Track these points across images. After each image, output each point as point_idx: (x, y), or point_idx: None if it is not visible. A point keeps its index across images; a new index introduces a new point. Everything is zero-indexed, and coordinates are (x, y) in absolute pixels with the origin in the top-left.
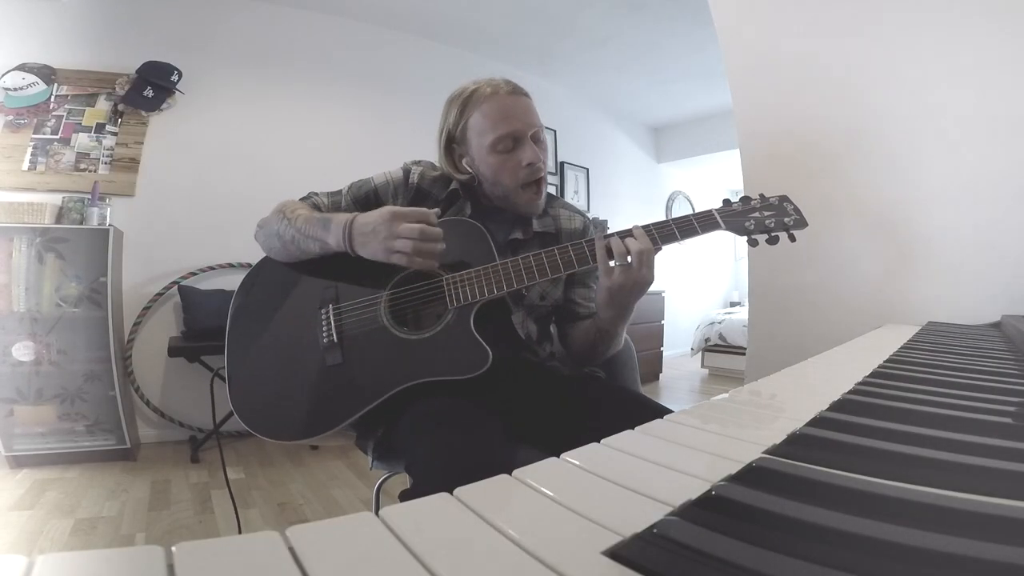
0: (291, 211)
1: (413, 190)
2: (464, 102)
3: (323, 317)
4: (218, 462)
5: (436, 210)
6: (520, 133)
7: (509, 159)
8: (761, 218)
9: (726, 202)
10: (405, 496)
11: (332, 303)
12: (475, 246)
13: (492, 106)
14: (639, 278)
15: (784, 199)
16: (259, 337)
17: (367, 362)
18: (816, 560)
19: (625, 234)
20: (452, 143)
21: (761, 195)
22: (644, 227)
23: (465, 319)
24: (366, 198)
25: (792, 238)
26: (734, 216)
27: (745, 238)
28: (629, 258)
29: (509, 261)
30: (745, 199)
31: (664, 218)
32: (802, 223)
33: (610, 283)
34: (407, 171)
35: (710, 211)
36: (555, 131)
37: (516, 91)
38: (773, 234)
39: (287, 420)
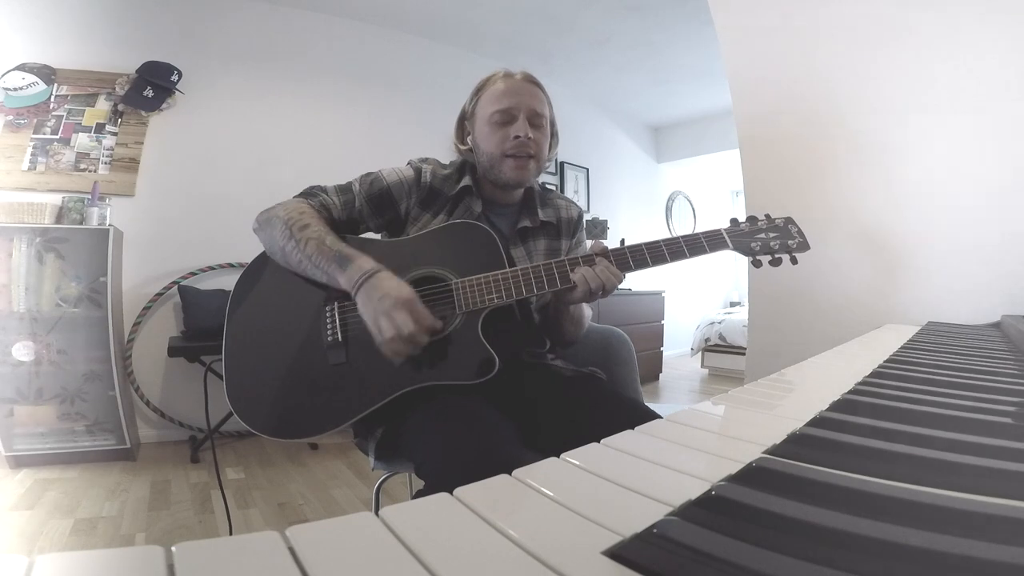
0: (299, 229)
1: (426, 189)
2: (482, 84)
3: (327, 315)
4: (214, 463)
5: (440, 325)
6: (516, 109)
7: (500, 130)
8: (766, 239)
9: (733, 221)
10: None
11: (338, 301)
12: (485, 250)
13: (501, 85)
14: (591, 299)
15: (789, 221)
16: (259, 332)
17: (371, 363)
18: (816, 560)
19: (589, 261)
20: (464, 119)
21: (767, 215)
22: (652, 243)
23: (473, 324)
24: (379, 197)
25: (794, 260)
26: (741, 236)
27: (749, 259)
28: (592, 286)
29: (519, 269)
30: (752, 219)
31: (664, 219)
32: (805, 246)
33: (571, 299)
34: (418, 170)
35: (719, 231)
36: None
37: (528, 78)
38: (776, 256)
39: (286, 418)
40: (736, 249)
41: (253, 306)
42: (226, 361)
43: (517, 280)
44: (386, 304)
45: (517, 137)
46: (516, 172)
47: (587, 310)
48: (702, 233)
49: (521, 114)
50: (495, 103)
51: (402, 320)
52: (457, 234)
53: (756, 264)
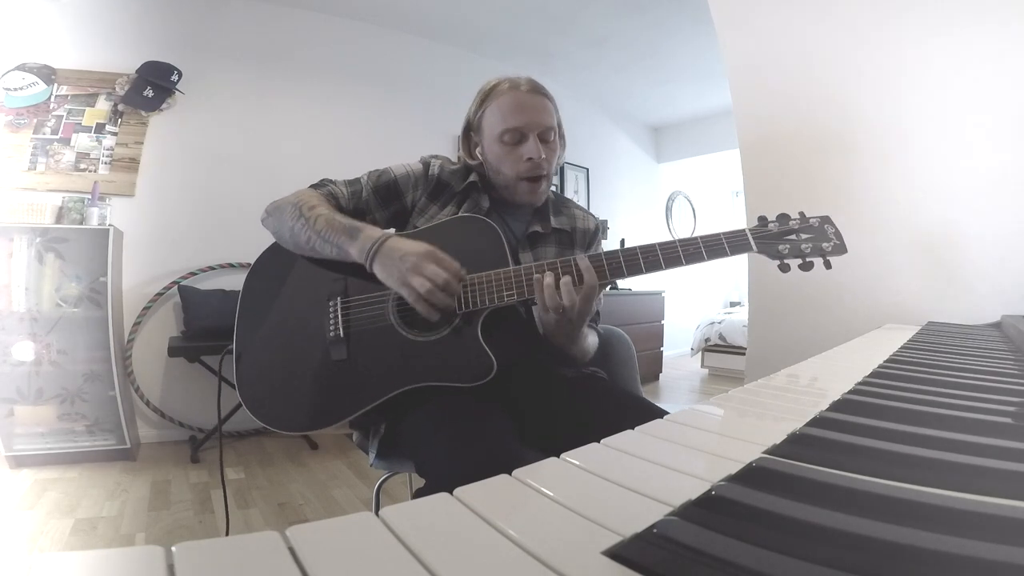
0: (309, 209)
1: (433, 182)
2: (486, 94)
3: (331, 310)
4: (219, 462)
5: (464, 273)
6: (526, 128)
7: (512, 151)
8: (797, 241)
9: (762, 220)
10: (420, 496)
11: (340, 296)
12: (488, 247)
13: (507, 100)
14: (576, 315)
15: (826, 220)
16: (267, 326)
17: (372, 360)
18: (816, 560)
19: (567, 269)
20: (470, 131)
21: (801, 214)
22: (667, 244)
23: (473, 325)
24: (387, 188)
25: (828, 264)
26: (769, 238)
27: (777, 263)
28: (563, 300)
29: (522, 268)
30: (783, 217)
31: (664, 219)
32: (841, 248)
33: (547, 318)
34: (427, 164)
35: (743, 231)
36: None
37: (535, 90)
38: (808, 260)
39: (290, 411)
40: (761, 252)
41: (262, 302)
42: (236, 353)
43: (520, 280)
44: (410, 262)
45: (530, 159)
46: (530, 196)
47: (591, 338)
48: (724, 234)
49: (532, 134)
50: (504, 120)
51: (432, 271)
52: (461, 229)
53: (784, 268)
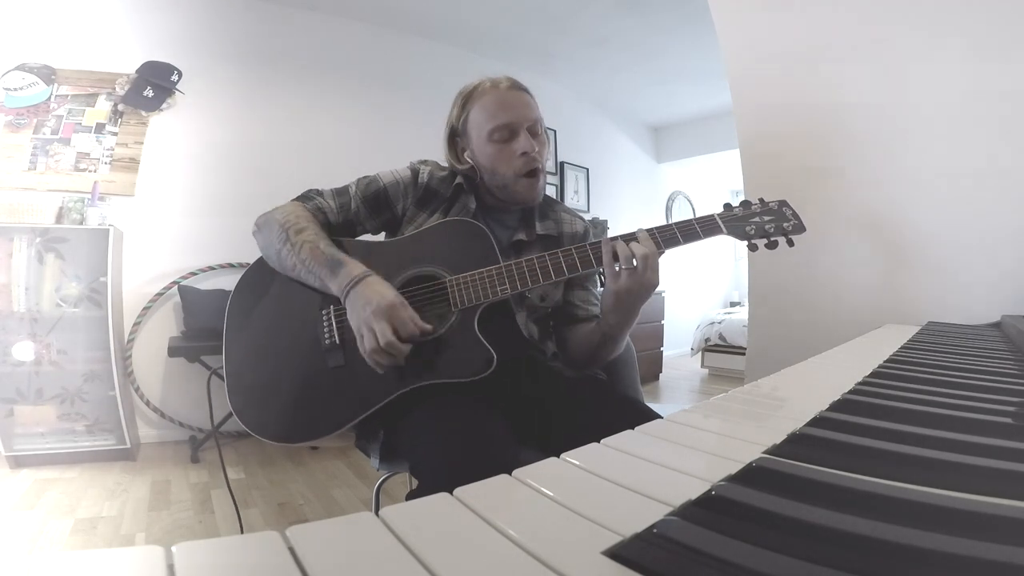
0: (296, 233)
1: (422, 189)
2: (466, 97)
3: (324, 318)
4: (218, 462)
5: (429, 329)
6: (516, 124)
7: (505, 148)
8: (761, 223)
9: (727, 206)
10: (412, 498)
11: (333, 304)
12: (478, 247)
13: (491, 99)
14: (645, 281)
15: (783, 204)
16: (258, 338)
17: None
18: (816, 560)
19: (629, 238)
20: (455, 136)
21: (761, 199)
22: (648, 231)
23: (469, 321)
24: (375, 198)
25: (791, 243)
26: (735, 221)
27: (745, 243)
28: (635, 261)
29: (513, 263)
30: (746, 203)
31: (664, 218)
32: (800, 228)
33: (617, 287)
34: (415, 171)
35: (712, 216)
36: (555, 131)
37: (515, 86)
38: (772, 239)
39: (289, 423)
40: (730, 234)
41: (252, 313)
42: (227, 368)
43: (511, 274)
44: (367, 312)
45: (524, 154)
46: (530, 192)
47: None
48: (695, 219)
49: (522, 128)
50: (491, 119)
51: (380, 329)
52: (450, 231)
53: (752, 248)
